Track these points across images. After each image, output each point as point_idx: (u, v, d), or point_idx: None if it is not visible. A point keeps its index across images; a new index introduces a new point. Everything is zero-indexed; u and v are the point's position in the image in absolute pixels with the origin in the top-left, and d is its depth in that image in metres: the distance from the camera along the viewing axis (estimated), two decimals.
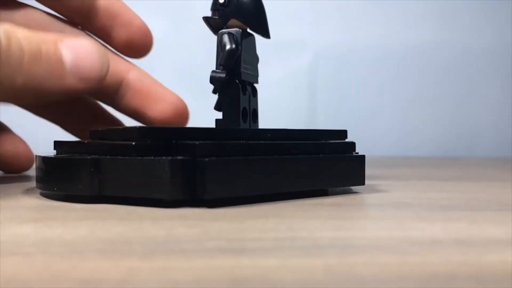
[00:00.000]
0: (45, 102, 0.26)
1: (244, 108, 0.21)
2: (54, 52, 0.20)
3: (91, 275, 0.09)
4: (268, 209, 0.15)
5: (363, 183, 0.20)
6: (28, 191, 0.20)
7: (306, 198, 0.18)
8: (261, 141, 0.17)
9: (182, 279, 0.09)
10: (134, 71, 0.27)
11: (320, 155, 0.19)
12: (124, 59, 0.27)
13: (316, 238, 0.12)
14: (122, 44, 0.27)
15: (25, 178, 0.26)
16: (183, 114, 0.27)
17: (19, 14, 0.25)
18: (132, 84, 0.27)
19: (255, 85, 0.22)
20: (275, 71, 0.59)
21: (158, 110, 0.26)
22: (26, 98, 0.22)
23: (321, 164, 0.19)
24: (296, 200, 0.18)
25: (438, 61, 0.63)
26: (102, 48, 0.22)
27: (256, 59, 0.22)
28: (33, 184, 0.21)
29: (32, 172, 0.30)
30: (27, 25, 0.21)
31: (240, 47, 0.20)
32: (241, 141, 0.17)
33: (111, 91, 0.26)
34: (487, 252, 0.11)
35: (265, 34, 0.22)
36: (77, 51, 0.21)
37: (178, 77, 0.50)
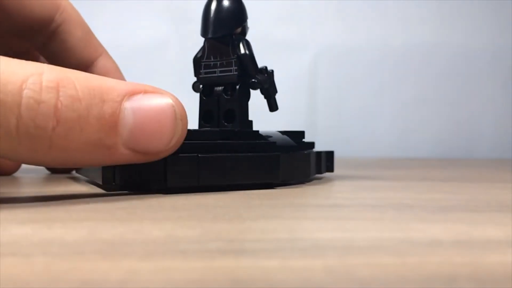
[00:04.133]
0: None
1: (208, 111, 0.23)
2: (112, 113, 0.15)
3: (91, 276, 0.09)
4: (268, 210, 0.15)
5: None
6: (28, 191, 0.20)
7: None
8: None
9: (182, 280, 0.09)
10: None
11: None
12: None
13: (316, 239, 0.12)
14: None
15: (25, 178, 0.26)
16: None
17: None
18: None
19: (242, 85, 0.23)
20: (275, 71, 0.59)
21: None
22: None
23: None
24: (297, 199, 0.18)
25: (438, 61, 0.63)
26: (181, 110, 0.17)
27: (226, 60, 0.22)
28: (31, 184, 0.21)
29: (28, 172, 0.30)
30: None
31: (201, 55, 0.23)
32: None
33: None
34: (487, 253, 0.11)
35: (203, 33, 0.23)
36: (143, 116, 0.16)
37: (179, 79, 0.50)
